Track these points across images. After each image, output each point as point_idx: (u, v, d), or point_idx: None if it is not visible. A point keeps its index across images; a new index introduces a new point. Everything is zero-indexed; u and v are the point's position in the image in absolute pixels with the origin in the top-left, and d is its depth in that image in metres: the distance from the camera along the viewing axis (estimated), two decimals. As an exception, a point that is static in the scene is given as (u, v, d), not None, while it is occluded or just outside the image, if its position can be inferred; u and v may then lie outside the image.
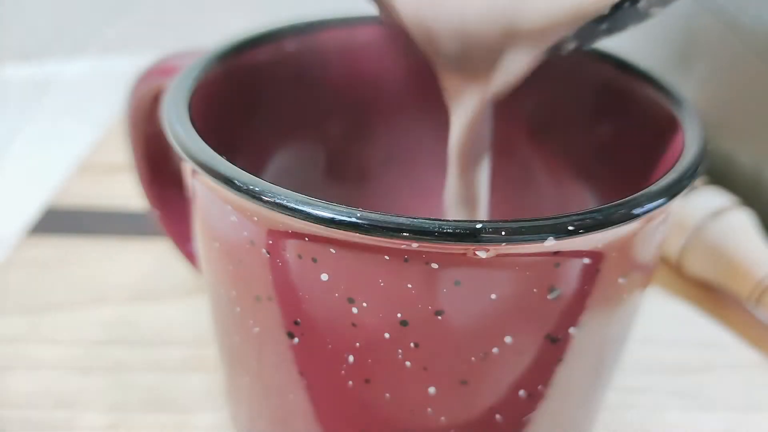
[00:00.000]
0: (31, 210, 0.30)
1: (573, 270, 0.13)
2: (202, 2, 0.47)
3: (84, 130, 0.36)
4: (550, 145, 0.22)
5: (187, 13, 0.47)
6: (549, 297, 0.13)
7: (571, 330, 0.14)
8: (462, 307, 0.13)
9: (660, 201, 0.13)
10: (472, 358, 0.14)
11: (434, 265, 0.13)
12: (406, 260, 0.13)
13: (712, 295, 0.26)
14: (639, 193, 0.13)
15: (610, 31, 0.16)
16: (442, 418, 0.15)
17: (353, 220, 0.12)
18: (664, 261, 0.27)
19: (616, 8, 0.15)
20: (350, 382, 0.15)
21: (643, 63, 0.19)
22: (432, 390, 0.14)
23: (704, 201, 0.26)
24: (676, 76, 0.20)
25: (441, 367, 0.14)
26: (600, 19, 0.15)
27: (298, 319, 0.14)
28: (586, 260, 0.13)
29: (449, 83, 0.17)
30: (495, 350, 0.14)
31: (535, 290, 0.13)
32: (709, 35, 0.28)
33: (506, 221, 0.12)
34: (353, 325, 0.14)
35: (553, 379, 0.15)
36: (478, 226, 0.12)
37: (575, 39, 0.16)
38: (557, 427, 0.17)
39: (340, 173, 0.23)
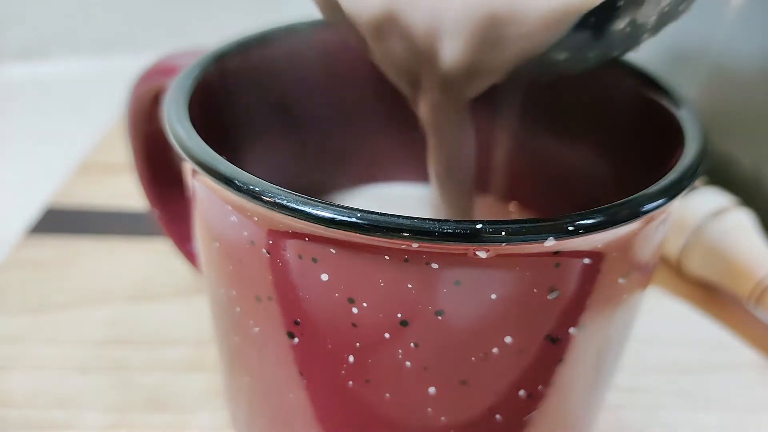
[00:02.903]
0: (31, 210, 0.30)
1: (573, 270, 0.13)
2: (202, 2, 0.47)
3: (84, 130, 0.36)
4: (549, 146, 0.22)
5: (187, 13, 0.47)
6: (549, 297, 0.13)
7: (571, 330, 0.14)
8: (462, 307, 0.13)
9: (660, 201, 0.13)
10: (472, 358, 0.14)
11: (434, 265, 0.13)
12: (406, 260, 0.13)
13: (712, 295, 0.26)
14: (639, 193, 0.13)
15: (600, 57, 0.16)
16: (442, 418, 0.15)
17: (353, 220, 0.12)
18: (664, 261, 0.27)
19: (602, 29, 0.15)
20: (350, 382, 0.15)
21: (644, 63, 0.19)
22: (432, 390, 0.14)
23: (704, 201, 0.26)
24: (676, 76, 0.20)
25: (441, 367, 0.14)
26: (589, 43, 0.15)
27: (298, 319, 0.14)
28: (587, 260, 0.13)
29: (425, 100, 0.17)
30: (495, 350, 0.14)
31: (535, 290, 0.13)
32: (709, 36, 0.28)
33: (506, 221, 0.12)
34: (353, 325, 0.14)
35: (553, 379, 0.15)
36: (479, 226, 0.12)
37: (565, 50, 0.16)
38: (557, 427, 0.17)
39: (340, 172, 0.23)
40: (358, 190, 0.24)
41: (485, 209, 0.23)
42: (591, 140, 0.20)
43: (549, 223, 0.12)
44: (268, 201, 0.13)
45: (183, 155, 0.14)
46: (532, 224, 0.12)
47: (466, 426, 0.15)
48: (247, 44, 0.19)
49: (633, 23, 0.15)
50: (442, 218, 0.12)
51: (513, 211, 0.23)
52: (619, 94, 0.19)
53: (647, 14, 0.15)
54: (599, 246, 0.13)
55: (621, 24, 0.15)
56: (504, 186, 0.23)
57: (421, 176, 0.22)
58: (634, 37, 0.16)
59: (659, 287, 0.27)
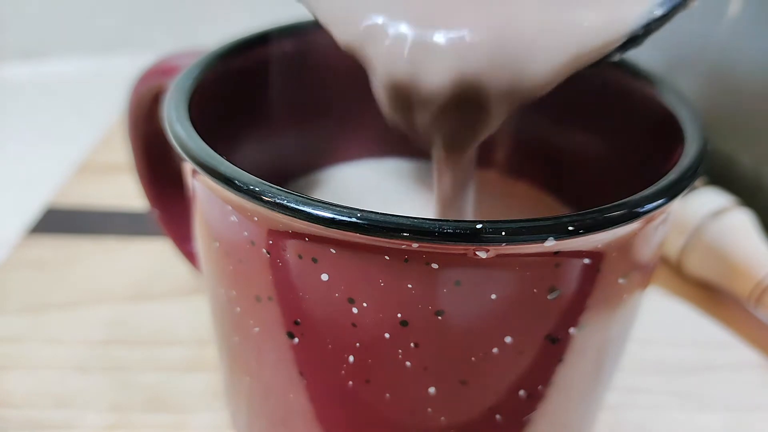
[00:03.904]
0: (31, 210, 0.30)
1: (573, 270, 0.13)
2: (202, 2, 0.47)
3: (84, 130, 0.36)
4: (549, 145, 0.22)
5: (187, 13, 0.47)
6: (549, 297, 0.13)
7: (571, 330, 0.14)
8: (462, 307, 0.13)
9: (660, 201, 0.13)
10: (472, 358, 0.14)
11: (434, 266, 0.13)
12: (406, 260, 0.13)
13: (712, 295, 0.26)
14: (639, 194, 0.13)
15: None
16: (442, 418, 0.15)
17: (353, 220, 0.12)
18: (664, 261, 0.27)
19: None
20: (350, 382, 0.15)
21: (644, 63, 0.19)
22: (432, 390, 0.14)
23: (704, 201, 0.26)
24: (676, 76, 0.20)
25: (441, 367, 0.14)
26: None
27: (298, 319, 0.14)
28: (587, 260, 0.13)
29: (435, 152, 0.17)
30: (495, 350, 0.14)
31: (535, 290, 0.13)
32: (709, 36, 0.28)
33: (506, 221, 0.12)
34: (353, 325, 0.14)
35: (553, 379, 0.15)
36: (479, 226, 0.12)
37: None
38: (557, 427, 0.17)
39: (341, 157, 0.23)
40: (360, 164, 0.24)
41: (488, 183, 0.23)
42: (591, 139, 0.20)
43: (549, 223, 0.12)
44: (268, 201, 0.13)
45: (183, 155, 0.14)
46: (532, 224, 0.12)
47: (466, 426, 0.15)
48: (247, 44, 0.19)
49: (627, 48, 0.15)
50: (442, 218, 0.12)
51: (516, 186, 0.23)
52: (619, 93, 0.19)
53: (641, 42, 0.15)
54: (599, 246, 0.13)
55: (617, 55, 0.15)
56: (508, 164, 0.23)
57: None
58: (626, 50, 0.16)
59: (659, 287, 0.27)
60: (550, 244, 0.12)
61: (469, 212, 0.18)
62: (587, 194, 0.20)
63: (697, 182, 0.17)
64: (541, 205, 0.22)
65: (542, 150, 0.22)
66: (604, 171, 0.20)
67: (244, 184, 0.13)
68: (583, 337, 0.15)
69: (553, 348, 0.14)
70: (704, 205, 0.26)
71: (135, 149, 0.22)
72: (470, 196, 0.18)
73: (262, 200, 0.13)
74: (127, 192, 0.28)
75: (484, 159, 0.23)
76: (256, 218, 0.14)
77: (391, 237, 0.12)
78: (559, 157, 0.21)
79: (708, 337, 0.24)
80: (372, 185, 0.23)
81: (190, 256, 0.23)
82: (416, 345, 0.14)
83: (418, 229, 0.12)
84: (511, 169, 0.23)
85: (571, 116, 0.21)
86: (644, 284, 0.16)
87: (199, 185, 0.15)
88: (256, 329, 0.15)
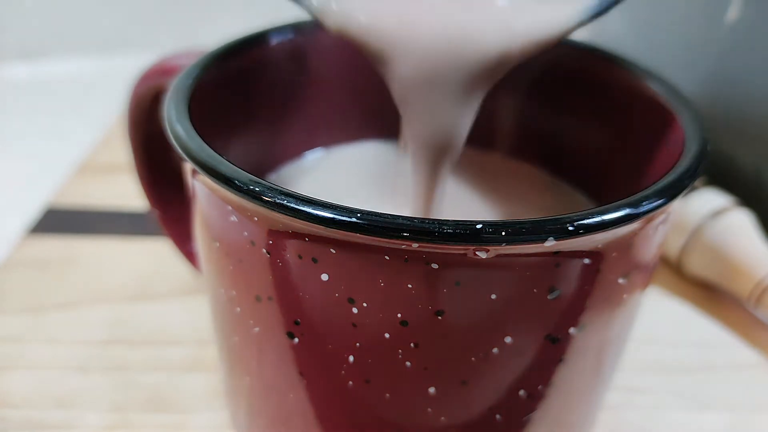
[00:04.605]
0: (31, 210, 0.30)
1: (573, 270, 0.13)
2: (202, 2, 0.47)
3: (84, 130, 0.36)
4: (551, 146, 0.22)
5: (186, 13, 0.47)
6: (549, 297, 0.13)
7: (572, 330, 0.14)
8: (462, 307, 0.13)
9: (660, 201, 0.13)
10: (472, 358, 0.14)
11: (434, 266, 0.13)
12: (406, 260, 0.13)
13: (712, 295, 0.26)
14: (639, 193, 0.13)
15: None
16: (442, 418, 0.15)
17: (353, 220, 0.12)
18: (664, 261, 0.27)
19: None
20: (350, 382, 0.15)
21: (644, 63, 0.19)
22: (432, 390, 0.14)
23: (704, 201, 0.26)
24: (676, 76, 0.20)
25: (441, 367, 0.14)
26: None
27: (298, 319, 0.14)
28: (587, 260, 0.13)
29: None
30: (495, 350, 0.14)
31: (535, 290, 0.13)
32: (709, 35, 0.28)
33: (507, 221, 0.12)
34: (353, 325, 0.14)
35: (553, 379, 0.15)
36: (479, 226, 0.12)
37: None
38: (557, 427, 0.17)
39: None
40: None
41: (491, 165, 0.23)
42: (591, 140, 0.20)
43: (549, 223, 0.12)
44: (268, 201, 0.13)
45: (183, 155, 0.14)
46: (533, 224, 0.12)
47: (466, 426, 0.15)
48: (246, 44, 0.19)
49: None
50: (441, 218, 0.12)
51: (519, 168, 0.23)
52: (620, 93, 0.19)
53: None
54: (599, 246, 0.13)
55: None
56: (510, 146, 0.23)
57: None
58: None
59: (659, 287, 0.27)
60: (550, 244, 0.12)
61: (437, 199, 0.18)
62: (591, 178, 0.20)
63: (697, 182, 0.17)
64: (545, 188, 0.22)
65: (545, 137, 0.22)
66: (607, 162, 0.20)
67: (244, 184, 0.13)
68: (583, 337, 0.15)
69: (553, 348, 0.14)
70: (704, 205, 0.26)
71: (135, 149, 0.22)
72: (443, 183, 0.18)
73: (262, 200, 0.13)
74: (127, 192, 0.28)
75: (487, 141, 0.23)
76: (256, 218, 0.14)
77: (391, 237, 0.12)
78: (561, 145, 0.21)
79: (708, 337, 0.24)
80: (370, 166, 0.23)
81: (190, 256, 0.23)
82: (416, 345, 0.14)
83: (418, 230, 0.12)
84: (514, 151, 0.23)
85: (573, 113, 0.21)
86: (644, 284, 0.16)
87: (199, 185, 0.15)
88: (256, 329, 0.15)
